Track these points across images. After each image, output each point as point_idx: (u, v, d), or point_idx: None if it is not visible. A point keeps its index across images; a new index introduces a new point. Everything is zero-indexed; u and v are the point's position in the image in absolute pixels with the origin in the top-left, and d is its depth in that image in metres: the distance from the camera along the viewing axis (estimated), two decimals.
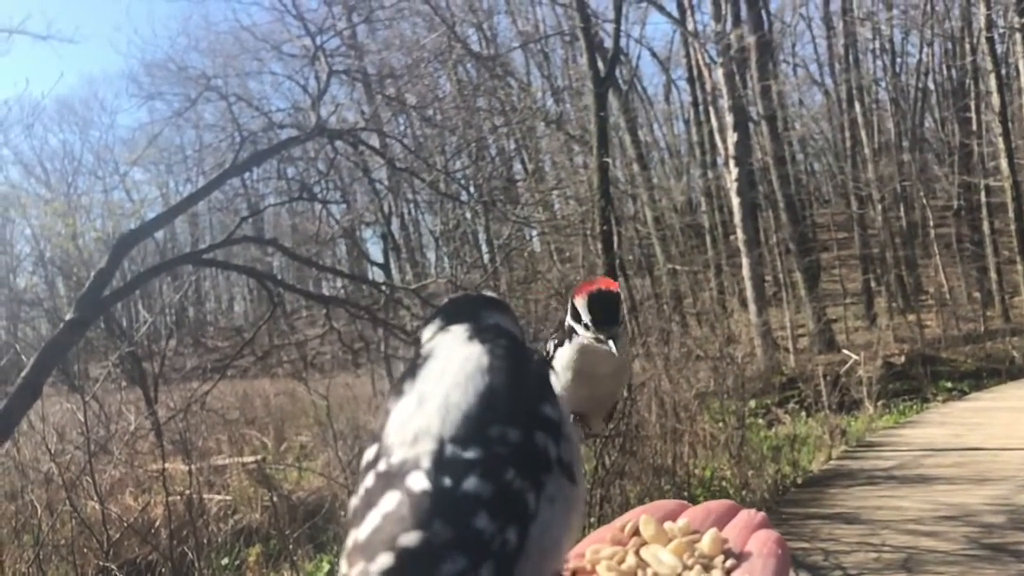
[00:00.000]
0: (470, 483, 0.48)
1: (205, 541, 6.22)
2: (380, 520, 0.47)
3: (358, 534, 0.47)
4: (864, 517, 7.19)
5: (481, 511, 0.47)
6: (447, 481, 0.48)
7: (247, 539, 7.23)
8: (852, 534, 6.74)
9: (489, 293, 0.71)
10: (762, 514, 0.66)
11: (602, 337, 1.27)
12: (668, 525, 0.64)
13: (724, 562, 0.60)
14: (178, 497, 6.70)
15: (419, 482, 0.48)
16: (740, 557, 0.60)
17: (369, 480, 0.50)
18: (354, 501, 0.50)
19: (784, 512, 7.63)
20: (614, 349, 1.27)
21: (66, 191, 30.69)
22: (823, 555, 6.26)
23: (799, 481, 8.96)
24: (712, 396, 10.23)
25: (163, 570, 6.24)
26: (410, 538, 0.45)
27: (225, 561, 6.67)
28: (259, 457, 10.46)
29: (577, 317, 1.31)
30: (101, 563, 5.63)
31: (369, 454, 0.52)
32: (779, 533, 0.63)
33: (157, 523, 7.21)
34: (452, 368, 0.54)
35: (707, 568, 0.59)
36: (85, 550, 6.09)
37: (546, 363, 0.59)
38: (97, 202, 29.68)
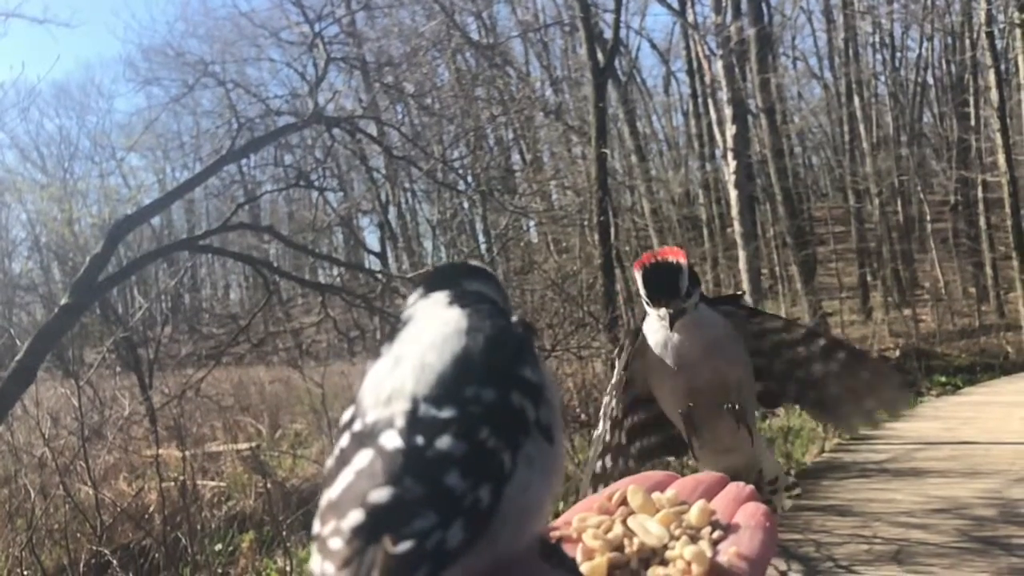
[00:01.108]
0: (443, 441, 0.47)
1: (198, 527, 6.22)
2: (352, 477, 0.47)
3: (331, 493, 0.47)
4: (856, 509, 7.22)
5: (453, 469, 0.46)
6: (419, 439, 0.47)
7: (241, 525, 7.24)
8: (844, 526, 6.77)
9: (473, 262, 0.70)
10: (751, 487, 0.66)
11: (660, 315, 1.15)
12: (656, 495, 0.64)
13: (711, 533, 0.60)
14: (172, 483, 6.70)
15: (392, 440, 0.48)
16: (728, 528, 0.60)
17: (344, 440, 0.50)
18: (329, 462, 0.50)
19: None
20: (667, 325, 1.13)
21: (62, 176, 30.64)
22: (815, 546, 6.28)
23: (792, 473, 8.96)
24: None
25: (156, 555, 6.25)
26: (381, 494, 0.45)
27: (219, 547, 6.68)
28: (253, 444, 10.46)
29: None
30: (94, 548, 5.65)
31: (346, 416, 0.52)
32: (767, 507, 0.63)
33: (151, 509, 7.22)
34: (429, 331, 0.54)
35: (694, 539, 0.59)
36: (78, 535, 6.10)
37: (528, 327, 0.58)
38: (93, 187, 29.58)
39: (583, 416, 8.62)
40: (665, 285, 1.13)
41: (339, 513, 0.46)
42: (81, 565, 5.78)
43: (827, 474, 8.86)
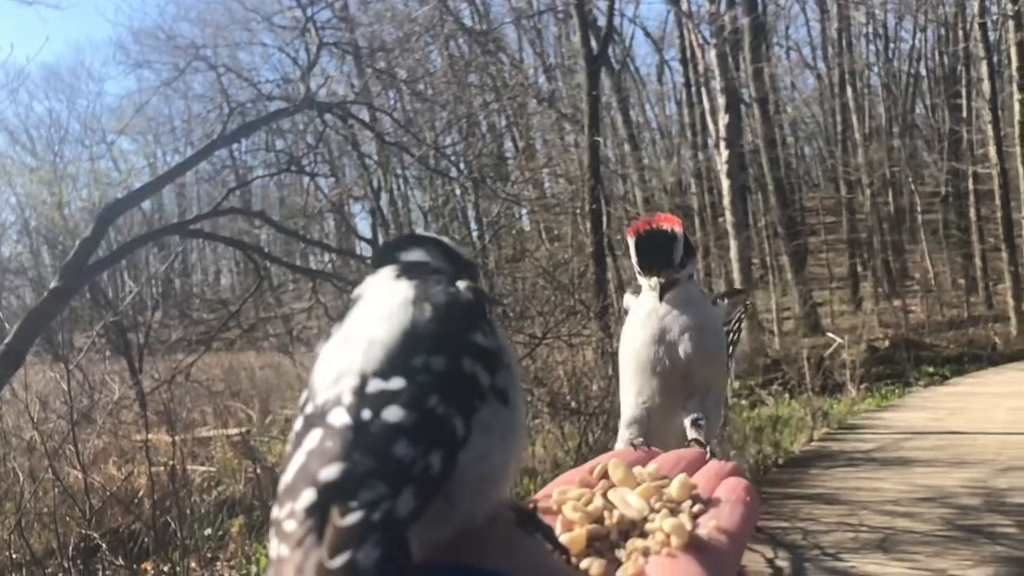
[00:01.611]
0: (390, 412, 0.47)
1: (188, 512, 6.22)
2: (304, 458, 0.47)
3: (286, 477, 0.47)
4: (843, 498, 7.27)
5: (401, 438, 0.46)
6: (367, 413, 0.47)
7: (230, 510, 7.25)
8: (831, 514, 6.82)
9: (421, 231, 0.70)
10: (733, 463, 0.67)
11: (653, 283, 1.07)
12: (638, 470, 0.65)
13: (692, 507, 0.60)
14: (162, 468, 6.69)
15: (340, 417, 0.47)
16: (708, 503, 0.61)
17: (298, 424, 0.50)
18: (287, 448, 0.50)
19: (765, 492, 7.70)
20: (657, 296, 1.06)
21: (52, 159, 30.39)
22: (802, 534, 6.33)
23: (780, 462, 9.04)
24: None
25: (145, 540, 6.25)
26: (330, 471, 0.45)
27: (208, 532, 6.69)
28: (244, 429, 10.46)
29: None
30: (83, 531, 5.64)
31: (301, 400, 0.52)
32: (749, 482, 0.63)
33: (140, 493, 7.21)
34: (376, 306, 0.54)
35: (674, 512, 0.59)
36: (67, 518, 6.08)
37: (480, 293, 0.58)
38: (83, 171, 29.37)
39: (573, 404, 8.63)
40: (658, 253, 1.08)
41: (293, 495, 0.45)
42: (70, 549, 5.77)
43: (815, 463, 8.92)
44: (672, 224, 1.10)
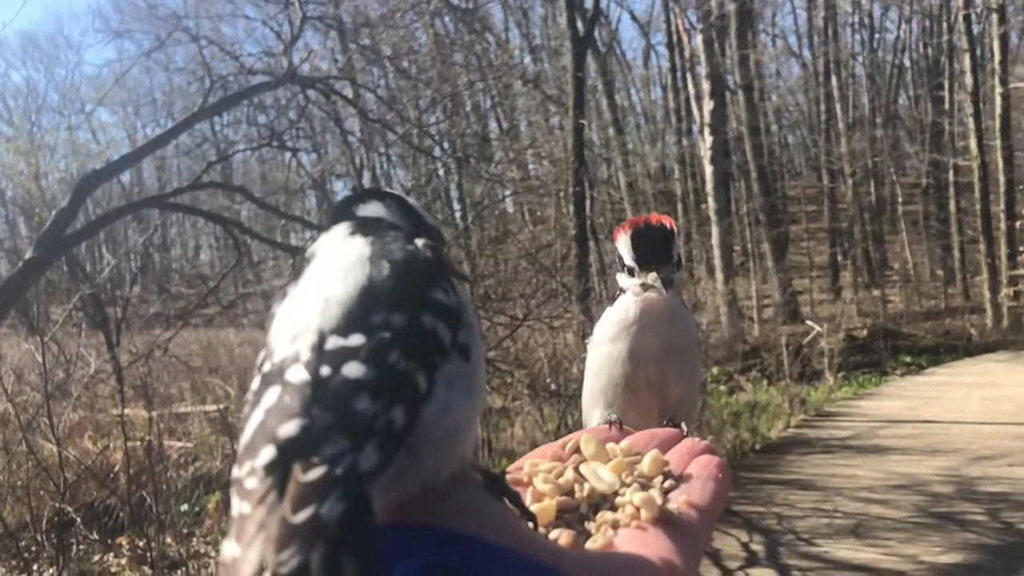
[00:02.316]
0: (350, 368, 0.46)
1: (164, 487, 6.19)
2: (263, 416, 0.46)
3: (244, 436, 0.46)
4: (819, 484, 7.35)
5: (363, 393, 0.45)
6: (326, 369, 0.46)
7: (207, 486, 7.21)
8: (806, 500, 6.89)
9: (377, 187, 0.68)
10: (705, 442, 0.67)
11: (648, 280, 1.04)
12: (611, 446, 0.65)
13: (663, 482, 0.60)
14: (138, 443, 6.65)
15: (298, 374, 0.47)
16: (680, 479, 0.61)
17: (255, 383, 0.49)
18: (245, 409, 0.49)
19: (741, 477, 7.77)
20: (663, 291, 1.03)
21: (29, 129, 29.94)
22: (777, 519, 6.39)
23: (757, 447, 9.11)
24: None
25: (121, 514, 6.22)
26: (289, 427, 0.44)
27: (184, 507, 6.66)
28: (222, 406, 10.40)
29: (621, 265, 1.09)
30: (57, 505, 5.59)
31: (258, 359, 0.51)
32: (721, 459, 0.63)
33: (116, 468, 7.16)
34: (331, 264, 0.53)
35: (645, 487, 0.59)
36: (41, 492, 6.03)
37: (437, 251, 0.57)
38: (62, 142, 28.99)
39: (553, 386, 8.65)
40: (657, 248, 1.05)
41: (252, 453, 0.45)
42: (44, 522, 5.74)
43: (792, 449, 9.00)
44: (666, 220, 1.07)
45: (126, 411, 7.26)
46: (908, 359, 16.09)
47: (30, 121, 31.22)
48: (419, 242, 0.57)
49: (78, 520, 5.71)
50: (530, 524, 0.57)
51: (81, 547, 5.94)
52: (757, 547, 5.87)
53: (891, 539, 5.86)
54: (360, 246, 0.54)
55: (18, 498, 6.25)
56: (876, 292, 23.49)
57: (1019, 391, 11.36)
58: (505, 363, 8.54)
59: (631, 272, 1.06)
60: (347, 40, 16.33)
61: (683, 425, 1.01)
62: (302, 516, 0.41)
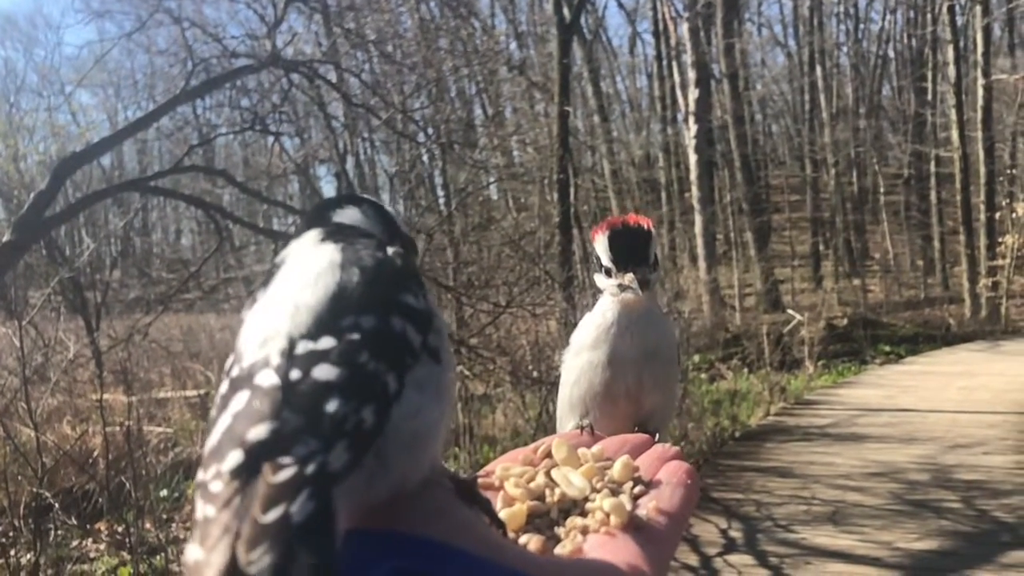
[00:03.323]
0: (320, 370, 0.46)
1: (143, 472, 6.15)
2: (230, 420, 0.46)
3: (211, 440, 0.46)
4: (797, 471, 7.42)
5: (333, 395, 0.45)
6: (296, 373, 0.46)
7: (187, 472, 7.18)
8: (785, 487, 6.95)
9: (355, 193, 0.68)
10: (675, 448, 0.67)
11: (625, 281, 1.03)
12: (582, 451, 0.65)
13: (633, 488, 0.60)
14: (117, 428, 6.60)
15: (268, 378, 0.47)
16: (650, 485, 0.61)
17: (223, 388, 0.49)
18: (212, 413, 0.49)
19: (721, 464, 7.83)
20: (639, 292, 1.02)
21: (8, 110, 29.53)
22: (756, 506, 6.44)
23: (737, 435, 9.18)
24: None
25: (99, 500, 6.19)
26: (259, 431, 0.44)
27: (164, 493, 6.63)
28: (202, 392, 10.35)
29: (599, 265, 1.07)
30: (35, 490, 5.55)
31: (227, 364, 0.51)
32: (690, 465, 0.63)
33: (95, 453, 7.11)
34: (301, 270, 0.53)
35: (615, 492, 0.59)
36: (19, 477, 5.99)
37: (408, 257, 0.57)
38: (41, 123, 28.62)
39: (535, 373, 8.67)
40: (635, 249, 1.04)
41: (219, 457, 0.44)
42: (21, 507, 5.70)
43: (771, 437, 9.07)
44: (646, 223, 1.06)
45: (105, 396, 7.21)
46: (887, 348, 16.24)
47: (8, 102, 30.80)
48: (390, 250, 0.57)
49: (56, 505, 5.68)
50: (499, 530, 0.57)
51: (59, 532, 5.91)
52: (735, 534, 5.92)
53: (867, 526, 5.93)
54: (331, 252, 0.54)
55: None
56: (857, 282, 23.67)
57: (996, 380, 11.50)
58: (487, 350, 8.54)
59: (608, 273, 1.05)
60: (331, 23, 16.19)
61: (656, 432, 1.01)
62: (272, 516, 0.41)
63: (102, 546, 5.87)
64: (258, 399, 0.46)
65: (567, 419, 1.09)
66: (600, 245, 1.06)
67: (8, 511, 5.71)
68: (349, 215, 0.62)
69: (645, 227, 1.05)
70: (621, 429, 1.01)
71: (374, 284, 0.52)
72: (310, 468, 0.43)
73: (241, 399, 0.46)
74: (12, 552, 5.14)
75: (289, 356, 0.47)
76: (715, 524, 6.03)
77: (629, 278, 1.02)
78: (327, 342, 0.48)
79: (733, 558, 5.51)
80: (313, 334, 0.48)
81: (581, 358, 1.08)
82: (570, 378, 1.09)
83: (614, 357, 1.04)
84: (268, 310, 0.51)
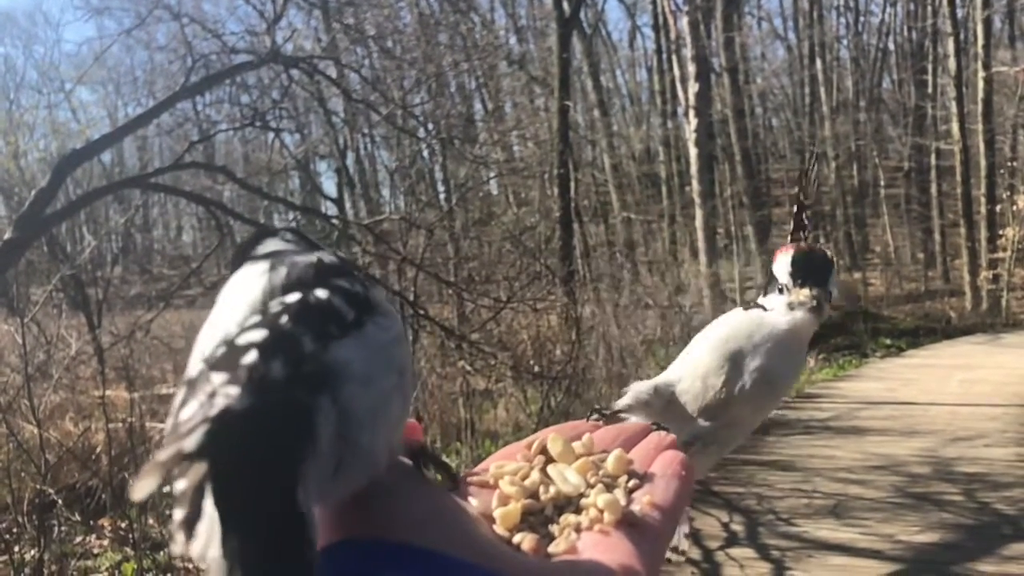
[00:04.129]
0: (242, 338, 0.47)
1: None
2: (170, 424, 0.46)
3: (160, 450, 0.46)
4: (798, 465, 7.42)
5: (249, 352, 0.46)
6: (222, 349, 0.47)
7: None
8: (786, 481, 6.96)
9: (269, 226, 0.69)
10: (671, 436, 0.67)
11: (800, 297, 0.99)
12: (577, 444, 0.64)
13: (627, 482, 0.60)
14: (120, 424, 6.61)
15: (196, 367, 0.48)
16: (644, 477, 0.61)
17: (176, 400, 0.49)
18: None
19: (722, 458, 7.83)
20: (812, 311, 0.98)
21: (8, 108, 29.51)
22: (757, 500, 6.45)
23: None
24: (659, 343, 10.37)
25: (103, 496, 6.20)
26: (187, 409, 0.44)
27: (167, 489, 6.63)
28: None
29: (774, 285, 1.04)
30: (38, 487, 5.57)
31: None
32: (685, 456, 0.63)
33: (98, 449, 7.13)
34: (237, 286, 0.55)
35: (610, 487, 0.59)
36: (22, 474, 6.00)
37: (343, 259, 0.59)
38: (41, 120, 28.59)
39: (537, 368, 8.68)
40: (819, 271, 1.00)
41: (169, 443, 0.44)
42: (25, 504, 5.71)
43: (772, 430, 9.07)
44: (823, 251, 1.04)
45: (108, 393, 7.22)
46: (888, 341, 16.24)
47: (8, 99, 30.77)
48: (319, 253, 0.58)
49: (59, 502, 5.69)
50: (487, 524, 0.57)
51: (63, 529, 5.93)
52: (737, 527, 5.93)
53: (869, 519, 5.94)
54: (261, 265, 0.56)
55: None
56: (857, 275, 23.67)
57: (996, 373, 11.50)
58: (489, 345, 8.55)
59: (781, 291, 1.02)
60: (331, 19, 16.18)
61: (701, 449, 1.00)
62: (164, 455, 0.41)
63: (106, 542, 5.89)
64: (189, 388, 0.46)
65: (682, 368, 1.07)
66: (781, 263, 1.03)
67: (12, 508, 5.72)
68: (271, 245, 0.63)
69: (829, 255, 1.03)
70: (695, 416, 1.03)
71: (303, 272, 0.54)
72: (213, 406, 0.43)
73: (179, 396, 0.46)
74: (16, 549, 5.16)
75: (223, 342, 0.48)
76: (716, 518, 6.04)
77: (805, 294, 0.98)
78: (254, 319, 0.49)
79: (735, 551, 5.52)
80: (244, 321, 0.50)
81: (706, 344, 1.05)
82: (700, 343, 1.07)
83: (726, 364, 1.02)
84: (212, 325, 0.53)
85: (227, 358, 0.46)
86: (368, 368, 0.51)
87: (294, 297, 0.51)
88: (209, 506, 0.42)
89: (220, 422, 0.42)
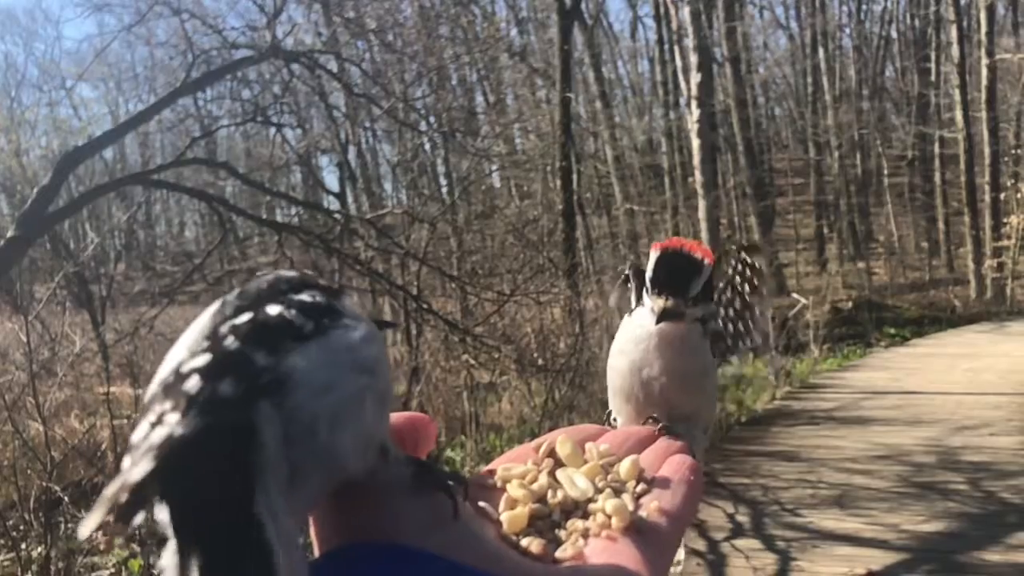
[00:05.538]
0: (188, 365, 0.47)
1: None
2: (129, 458, 0.45)
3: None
4: (803, 455, 7.43)
5: (194, 377, 0.46)
6: (171, 377, 0.47)
7: None
8: (791, 471, 6.97)
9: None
10: (682, 443, 0.66)
11: (657, 308, 0.96)
12: (588, 447, 0.64)
13: (636, 487, 0.59)
14: (125, 421, 6.63)
15: (155, 388, 0.48)
16: (652, 482, 0.60)
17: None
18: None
19: (727, 449, 7.84)
20: (654, 320, 0.96)
21: (9, 105, 29.51)
22: (762, 490, 6.46)
23: (743, 419, 9.19)
24: None
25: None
26: (137, 433, 0.45)
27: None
28: None
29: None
30: (45, 484, 5.58)
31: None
32: (694, 460, 0.63)
33: (103, 446, 7.15)
34: (191, 325, 0.54)
35: (618, 492, 0.59)
36: (28, 471, 6.02)
37: (307, 275, 0.58)
38: (43, 118, 28.60)
39: (541, 361, 8.68)
40: (676, 276, 0.98)
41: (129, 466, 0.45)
42: (31, 502, 5.73)
43: (777, 421, 9.08)
44: (704, 255, 1.00)
45: (112, 389, 7.24)
46: (892, 331, 16.22)
47: (10, 97, 30.77)
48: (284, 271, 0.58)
49: (66, 499, 5.71)
50: (492, 527, 0.57)
51: (69, 526, 5.95)
52: (743, 518, 5.94)
53: (874, 509, 5.94)
54: (214, 304, 0.55)
55: (5, 478, 6.24)
56: (861, 264, 23.61)
57: (1001, 362, 11.48)
58: (492, 338, 8.55)
59: (645, 290, 1.01)
60: (331, 13, 16.13)
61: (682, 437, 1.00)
62: (110, 490, 0.42)
63: (112, 538, 5.90)
64: (143, 418, 0.46)
65: (613, 403, 1.07)
66: (650, 262, 1.01)
67: (18, 505, 5.74)
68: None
69: (699, 258, 0.99)
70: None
71: (254, 293, 0.53)
72: (157, 434, 0.43)
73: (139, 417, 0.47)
74: (23, 546, 5.18)
75: (174, 370, 0.48)
76: (722, 509, 6.04)
77: (659, 305, 0.97)
78: (203, 344, 0.49)
79: (740, 542, 5.53)
80: (194, 346, 0.49)
81: (613, 359, 1.04)
82: (609, 366, 1.05)
83: (638, 369, 1.00)
84: (166, 363, 0.52)
85: (172, 386, 0.46)
86: (329, 372, 0.50)
87: (244, 318, 0.50)
88: (169, 533, 0.43)
89: (162, 450, 0.42)
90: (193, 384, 0.45)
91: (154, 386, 0.48)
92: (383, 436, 0.55)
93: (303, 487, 0.48)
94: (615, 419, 1.04)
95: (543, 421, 7.45)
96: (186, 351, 0.49)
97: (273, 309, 0.51)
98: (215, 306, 0.53)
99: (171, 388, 0.46)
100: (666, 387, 0.99)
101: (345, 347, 0.52)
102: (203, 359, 0.47)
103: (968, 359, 12.02)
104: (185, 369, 0.47)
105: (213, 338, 0.49)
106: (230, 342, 0.48)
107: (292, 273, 0.57)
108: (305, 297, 0.54)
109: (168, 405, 0.44)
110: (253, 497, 0.44)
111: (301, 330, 0.51)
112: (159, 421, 0.44)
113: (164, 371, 0.49)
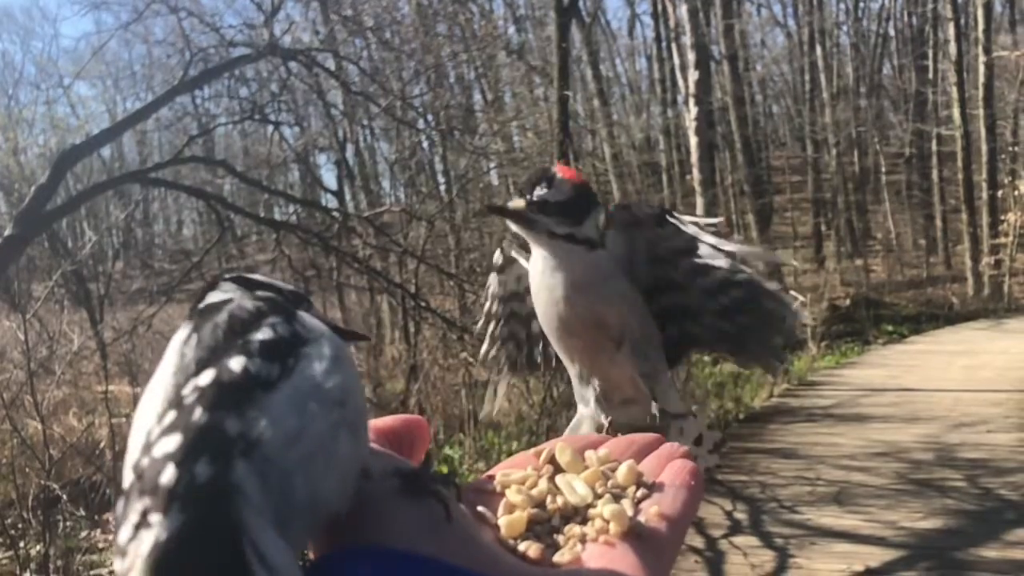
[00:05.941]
0: (159, 447, 0.46)
1: None
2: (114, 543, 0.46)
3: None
4: (801, 452, 7.44)
5: (167, 465, 0.45)
6: (145, 460, 0.47)
7: None
8: (789, 468, 6.98)
9: (219, 274, 0.68)
10: (685, 447, 0.66)
11: (509, 204, 1.02)
12: (588, 454, 0.64)
13: (635, 492, 0.59)
14: (123, 419, 6.63)
15: (127, 478, 0.47)
16: (653, 488, 0.60)
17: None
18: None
19: (725, 446, 7.84)
20: (541, 259, 1.01)
21: (7, 103, 29.47)
22: (760, 488, 6.47)
23: (741, 417, 9.20)
24: None
25: (107, 491, 6.22)
26: (121, 534, 0.45)
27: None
28: None
29: None
30: (43, 483, 5.58)
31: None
32: (695, 464, 0.63)
33: (101, 444, 7.15)
34: (165, 358, 0.54)
35: (617, 498, 0.59)
36: (27, 470, 6.02)
37: (273, 296, 0.59)
38: (40, 116, 28.57)
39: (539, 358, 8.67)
40: (532, 182, 1.02)
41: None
42: (30, 500, 5.73)
43: (775, 418, 9.09)
44: (568, 175, 1.05)
45: (110, 388, 7.24)
46: (890, 328, 16.24)
47: (7, 95, 30.73)
48: (242, 300, 0.57)
49: (64, 497, 5.72)
50: (489, 533, 0.57)
51: (68, 524, 5.96)
52: (740, 515, 5.95)
53: (872, 506, 5.96)
54: (179, 334, 0.55)
55: (3, 476, 6.25)
56: (859, 262, 23.62)
57: (998, 359, 11.50)
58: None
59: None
60: (328, 11, 16.11)
61: (650, 384, 1.03)
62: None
63: (111, 536, 5.90)
64: (123, 503, 0.46)
65: (562, 358, 1.11)
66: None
67: (17, 503, 5.74)
68: (215, 295, 0.62)
69: (556, 174, 1.04)
70: (604, 357, 1.04)
71: (210, 342, 0.52)
72: (142, 544, 0.43)
73: (119, 507, 0.46)
74: (22, 544, 5.18)
75: (145, 447, 0.47)
76: (720, 506, 6.05)
77: (512, 203, 1.01)
78: (171, 416, 0.48)
79: (738, 539, 5.54)
80: (161, 415, 0.49)
81: (535, 304, 1.08)
82: (539, 319, 1.09)
83: (551, 298, 1.04)
84: (141, 408, 0.52)
85: (148, 475, 0.45)
86: (299, 418, 0.50)
87: (207, 377, 0.49)
88: None
89: (151, 558, 0.42)
90: (169, 476, 0.44)
91: (128, 470, 0.48)
92: (362, 461, 0.55)
93: (289, 532, 0.48)
94: (593, 385, 1.07)
95: (541, 419, 7.46)
96: (154, 418, 0.49)
97: (236, 363, 0.50)
98: (174, 359, 0.52)
99: (146, 477, 0.45)
100: (575, 300, 1.02)
101: (311, 386, 0.52)
102: (173, 441, 0.46)
103: (966, 356, 12.04)
104: (157, 453, 0.46)
105: (179, 407, 0.48)
106: (198, 415, 0.47)
107: (249, 303, 0.56)
108: (266, 334, 0.53)
109: (148, 502, 0.44)
110: (250, 570, 0.43)
111: (268, 380, 0.50)
112: (143, 522, 0.44)
113: (135, 447, 0.49)
